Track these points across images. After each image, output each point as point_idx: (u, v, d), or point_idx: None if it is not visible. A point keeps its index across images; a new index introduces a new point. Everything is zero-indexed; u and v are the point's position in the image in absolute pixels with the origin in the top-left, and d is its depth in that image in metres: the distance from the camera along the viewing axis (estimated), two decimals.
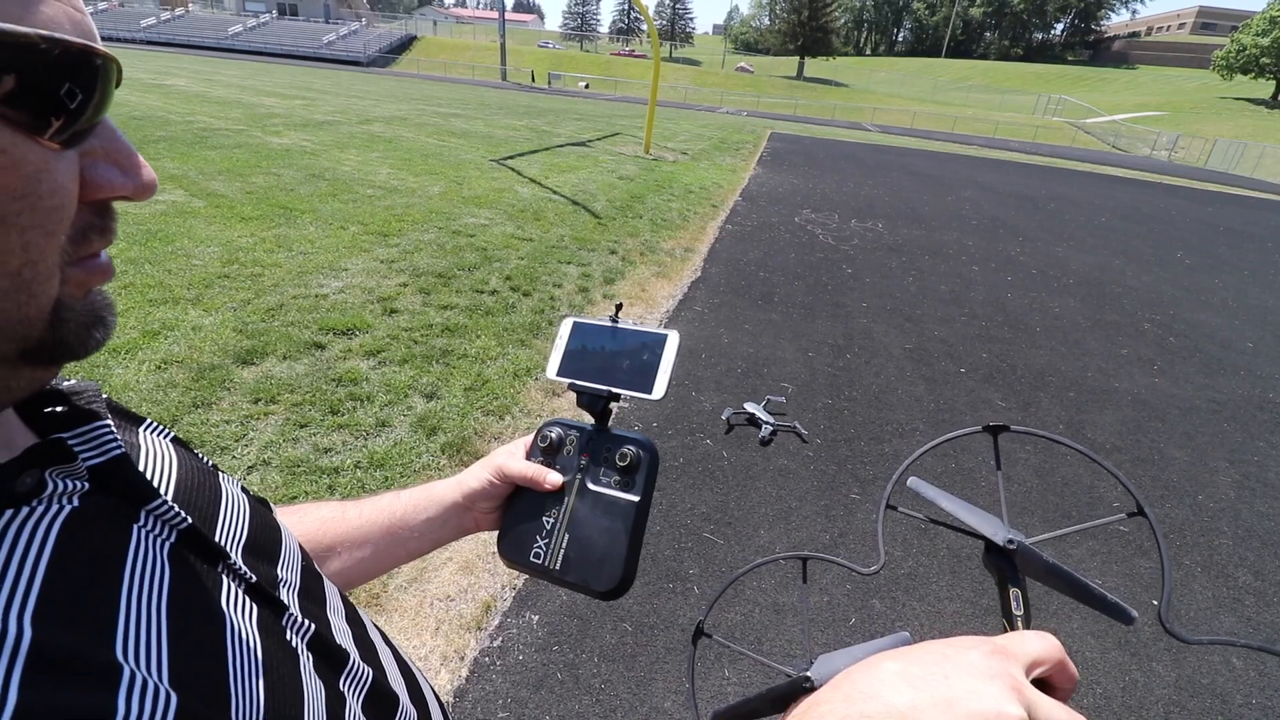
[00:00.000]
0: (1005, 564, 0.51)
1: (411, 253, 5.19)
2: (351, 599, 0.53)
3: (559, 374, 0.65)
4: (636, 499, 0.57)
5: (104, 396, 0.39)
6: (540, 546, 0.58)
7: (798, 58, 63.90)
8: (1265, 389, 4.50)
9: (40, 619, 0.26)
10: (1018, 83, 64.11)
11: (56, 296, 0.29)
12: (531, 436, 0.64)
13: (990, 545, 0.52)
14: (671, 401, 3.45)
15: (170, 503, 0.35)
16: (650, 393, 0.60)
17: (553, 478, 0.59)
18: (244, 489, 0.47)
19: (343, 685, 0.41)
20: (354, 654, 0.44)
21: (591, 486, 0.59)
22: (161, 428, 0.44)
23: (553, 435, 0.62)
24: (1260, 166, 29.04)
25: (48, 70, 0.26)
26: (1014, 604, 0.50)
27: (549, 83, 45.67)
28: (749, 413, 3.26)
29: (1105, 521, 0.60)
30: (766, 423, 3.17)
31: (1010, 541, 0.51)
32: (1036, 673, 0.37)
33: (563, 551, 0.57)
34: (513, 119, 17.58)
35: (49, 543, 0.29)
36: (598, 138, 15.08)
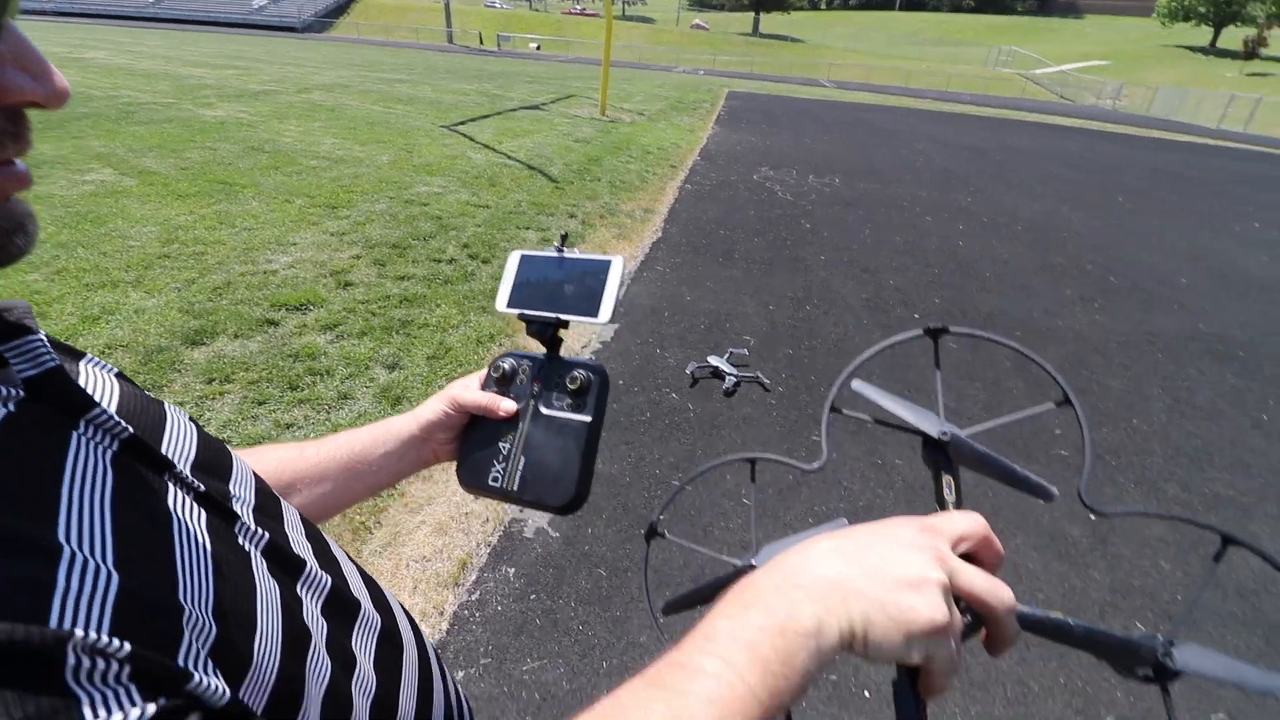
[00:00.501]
0: (939, 455, 0.54)
1: (363, 224, 5.05)
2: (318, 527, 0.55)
3: (508, 305, 0.67)
4: (588, 419, 0.60)
5: (42, 335, 0.37)
6: (498, 471, 0.61)
7: (753, 14, 62.89)
8: (1197, 321, 4.75)
9: None
10: (970, 34, 64.48)
11: None
12: (486, 369, 0.66)
13: (926, 439, 0.54)
14: (637, 359, 3.49)
15: (110, 413, 0.34)
16: (596, 316, 0.62)
17: (506, 405, 0.62)
18: (195, 421, 0.48)
19: (300, 589, 0.42)
20: (312, 562, 0.45)
21: (544, 411, 0.61)
22: (104, 363, 0.43)
23: (505, 366, 0.64)
24: (1199, 112, 30.01)
25: None
26: (946, 491, 0.52)
27: (498, 45, 44.05)
28: (713, 366, 3.32)
29: (1034, 411, 0.60)
30: (730, 374, 3.23)
31: (944, 433, 0.53)
32: (962, 547, 0.40)
33: (519, 473, 0.60)
34: (462, 83, 16.99)
35: None
36: (551, 100, 14.71)
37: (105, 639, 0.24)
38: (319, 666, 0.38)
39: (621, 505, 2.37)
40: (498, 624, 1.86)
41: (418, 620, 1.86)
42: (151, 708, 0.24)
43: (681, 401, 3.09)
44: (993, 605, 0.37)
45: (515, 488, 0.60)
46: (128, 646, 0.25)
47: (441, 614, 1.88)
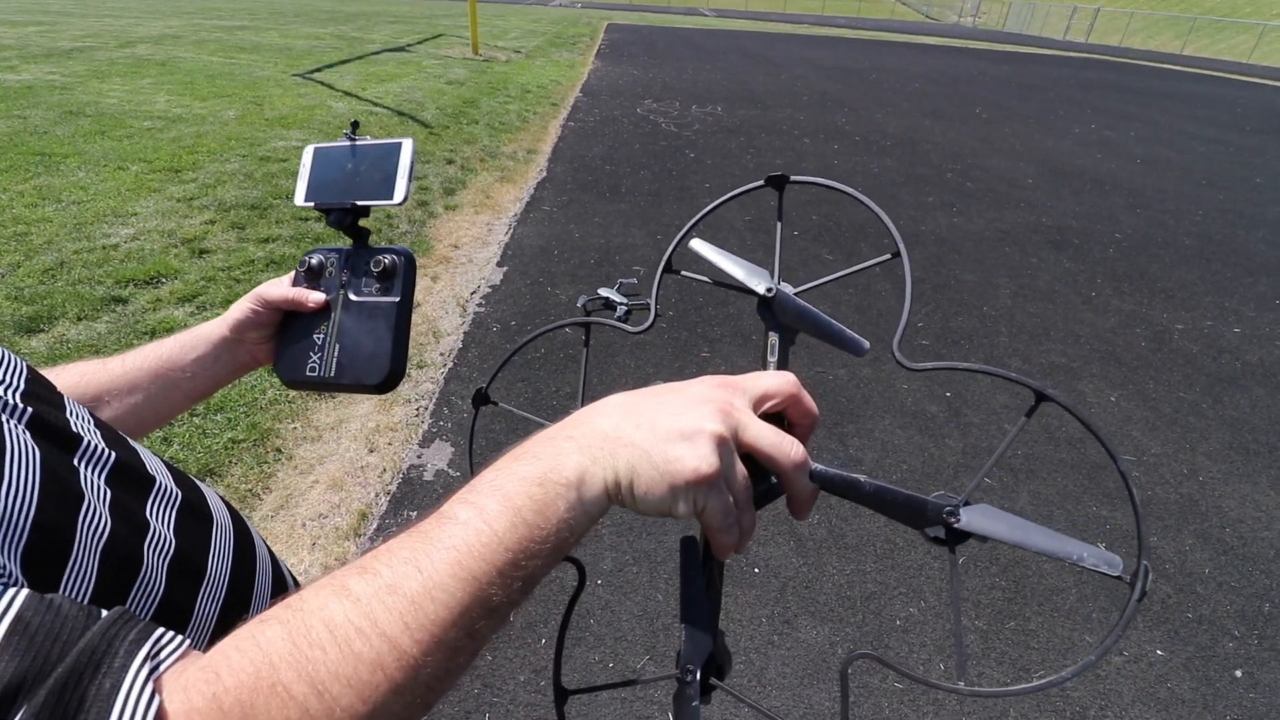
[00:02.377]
0: (767, 312, 0.53)
1: (213, 186, 4.60)
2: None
3: (305, 199, 0.66)
4: (396, 299, 0.62)
5: None
6: (315, 361, 0.62)
7: None
8: (1040, 216, 5.27)
9: None
10: None
11: None
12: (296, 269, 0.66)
13: (758, 298, 0.53)
14: (528, 299, 3.47)
15: None
16: (391, 198, 0.62)
17: (315, 296, 0.63)
18: (16, 354, 0.47)
19: (77, 461, 0.43)
20: (92, 440, 0.46)
21: (354, 298, 0.63)
22: None
23: (313, 261, 0.64)
24: (1047, 25, 32.18)
25: None
26: (769, 350, 0.52)
27: None
28: (604, 297, 3.37)
29: (866, 265, 0.59)
30: (621, 304, 3.29)
31: (769, 290, 0.53)
32: (767, 406, 0.39)
33: (335, 359, 0.62)
34: (315, 27, 15.41)
35: None
36: (418, 41, 13.68)
37: None
38: (93, 522, 0.40)
39: (520, 437, 2.41)
40: None
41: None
42: None
43: (575, 334, 3.12)
44: (779, 460, 0.36)
45: (333, 374, 0.62)
46: None
47: (344, 562, 1.87)
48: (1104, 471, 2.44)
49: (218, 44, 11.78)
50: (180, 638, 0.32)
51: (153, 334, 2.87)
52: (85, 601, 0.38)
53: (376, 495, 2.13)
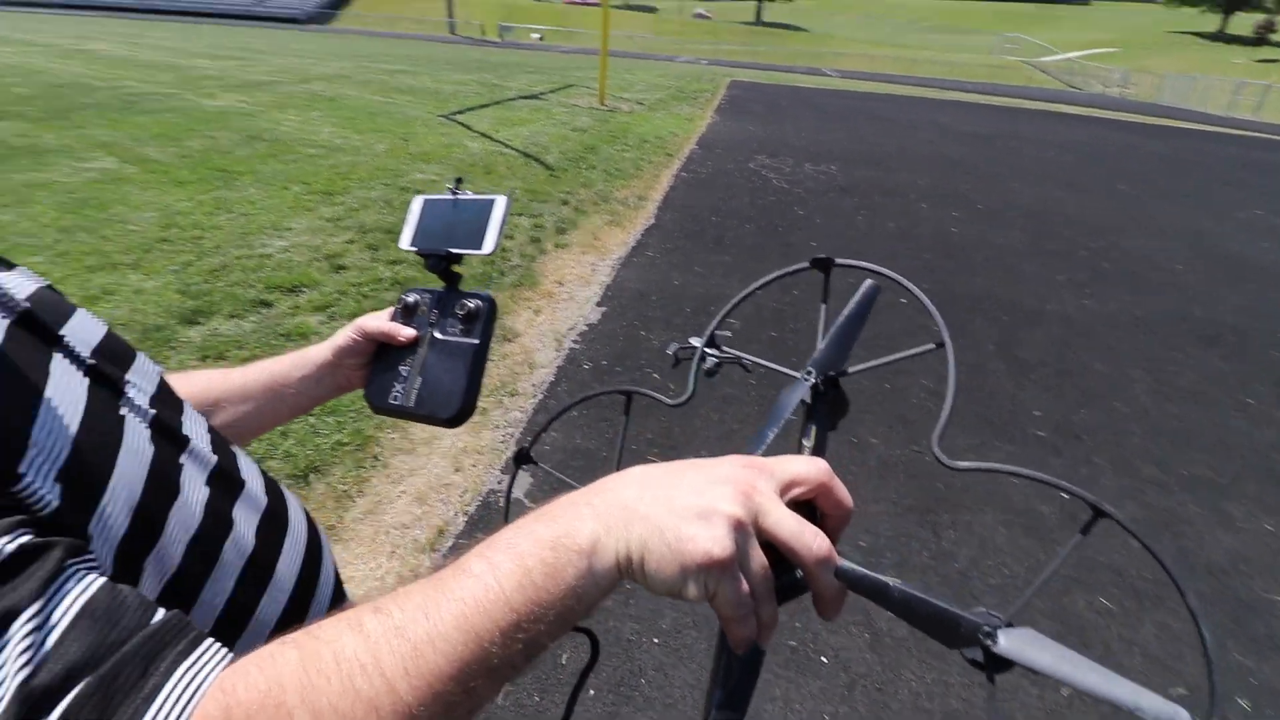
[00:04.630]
0: (807, 395, 0.52)
1: (357, 210, 5.10)
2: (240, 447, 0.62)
3: (409, 245, 0.73)
4: (475, 342, 0.67)
5: None
6: (398, 391, 0.68)
7: (755, 2, 62.42)
8: (1189, 305, 4.76)
9: None
10: (976, 21, 63.83)
11: None
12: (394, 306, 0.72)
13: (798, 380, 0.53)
14: (621, 340, 3.54)
15: (10, 294, 0.42)
16: (481, 249, 0.68)
17: (405, 331, 0.68)
18: (109, 325, 0.54)
19: (183, 458, 0.49)
20: (200, 444, 0.52)
21: (439, 336, 0.68)
22: (41, 278, 0.49)
23: (409, 300, 0.70)
24: (1207, 99, 29.67)
25: None
26: (805, 435, 0.51)
27: (500, 36, 43.90)
28: (694, 347, 3.37)
29: (911, 353, 0.58)
30: (711, 355, 3.28)
31: (808, 372, 0.54)
32: (794, 493, 0.37)
33: (415, 391, 0.67)
34: (462, 74, 16.99)
35: None
36: (551, 90, 14.70)
37: None
38: (185, 516, 0.46)
39: (591, 476, 2.43)
40: None
41: (394, 585, 1.92)
42: None
43: (663, 381, 3.14)
44: (800, 552, 0.35)
45: (411, 404, 0.66)
46: None
47: (416, 577, 1.94)
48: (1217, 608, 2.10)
49: (379, 85, 13.23)
50: (225, 651, 0.34)
51: (288, 336, 3.19)
52: (164, 583, 0.43)
53: (455, 514, 2.21)
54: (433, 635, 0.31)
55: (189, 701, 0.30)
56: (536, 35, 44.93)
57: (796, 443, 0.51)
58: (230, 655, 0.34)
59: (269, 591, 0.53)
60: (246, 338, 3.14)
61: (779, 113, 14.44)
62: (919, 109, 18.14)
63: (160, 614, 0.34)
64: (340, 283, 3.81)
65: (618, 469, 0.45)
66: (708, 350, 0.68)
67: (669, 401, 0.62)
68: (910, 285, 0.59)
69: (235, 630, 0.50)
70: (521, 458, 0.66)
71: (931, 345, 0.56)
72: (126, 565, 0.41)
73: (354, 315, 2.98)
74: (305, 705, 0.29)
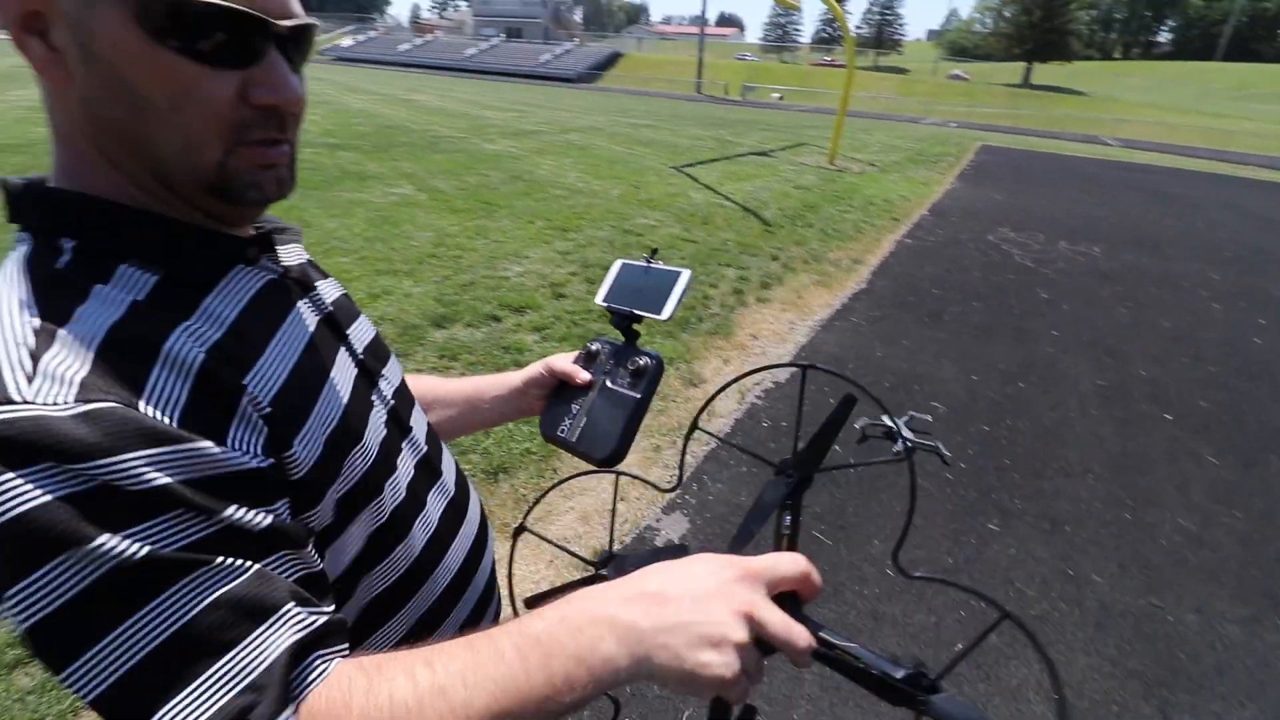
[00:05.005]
0: (782, 488, 0.60)
1: (585, 247, 5.66)
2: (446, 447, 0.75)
3: (602, 300, 0.83)
4: (637, 396, 0.74)
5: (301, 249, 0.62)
6: (566, 425, 0.77)
7: (1024, 64, 57.33)
8: None
9: (212, 349, 0.44)
10: None
11: (219, 160, 0.45)
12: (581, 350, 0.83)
13: (777, 469, 0.63)
14: (807, 405, 3.41)
15: (322, 295, 0.60)
16: (659, 314, 0.77)
17: (583, 375, 0.79)
18: (376, 330, 0.70)
19: (403, 444, 0.62)
20: (419, 433, 0.65)
21: (609, 385, 0.77)
22: (341, 288, 0.68)
23: (592, 347, 0.81)
24: None
25: (187, 18, 0.41)
26: (783, 524, 0.60)
27: (742, 95, 45.97)
28: (887, 425, 3.13)
29: (877, 462, 0.87)
30: (905, 438, 3.02)
31: (790, 474, 0.62)
32: (781, 587, 0.44)
33: (580, 429, 0.76)
34: (700, 129, 18.08)
35: (249, 294, 0.51)
36: (781, 147, 14.97)
37: (255, 438, 0.45)
38: (395, 491, 0.58)
39: (755, 542, 2.35)
40: None
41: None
42: (261, 445, 0.45)
43: (844, 455, 2.96)
44: (786, 648, 0.42)
45: (574, 439, 0.75)
46: (266, 429, 0.46)
47: (547, 562, 2.06)
48: None
49: (624, 137, 14.64)
50: (343, 649, 0.43)
51: (507, 349, 3.62)
52: (367, 535, 0.54)
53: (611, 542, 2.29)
54: (467, 704, 0.39)
55: (310, 683, 0.39)
56: (777, 95, 46.21)
57: (775, 532, 0.59)
58: (344, 653, 0.43)
59: (440, 566, 0.64)
60: (476, 345, 3.64)
61: (1034, 182, 13.00)
62: (1219, 187, 15.02)
63: (323, 617, 0.43)
64: (558, 309, 4.25)
65: (610, 544, 0.62)
66: (707, 431, 0.82)
67: (661, 486, 0.73)
68: (882, 405, 0.68)
69: (409, 591, 0.60)
70: (520, 530, 0.76)
71: (901, 459, 0.67)
72: (346, 513, 0.52)
73: (564, 339, 3.32)
74: None
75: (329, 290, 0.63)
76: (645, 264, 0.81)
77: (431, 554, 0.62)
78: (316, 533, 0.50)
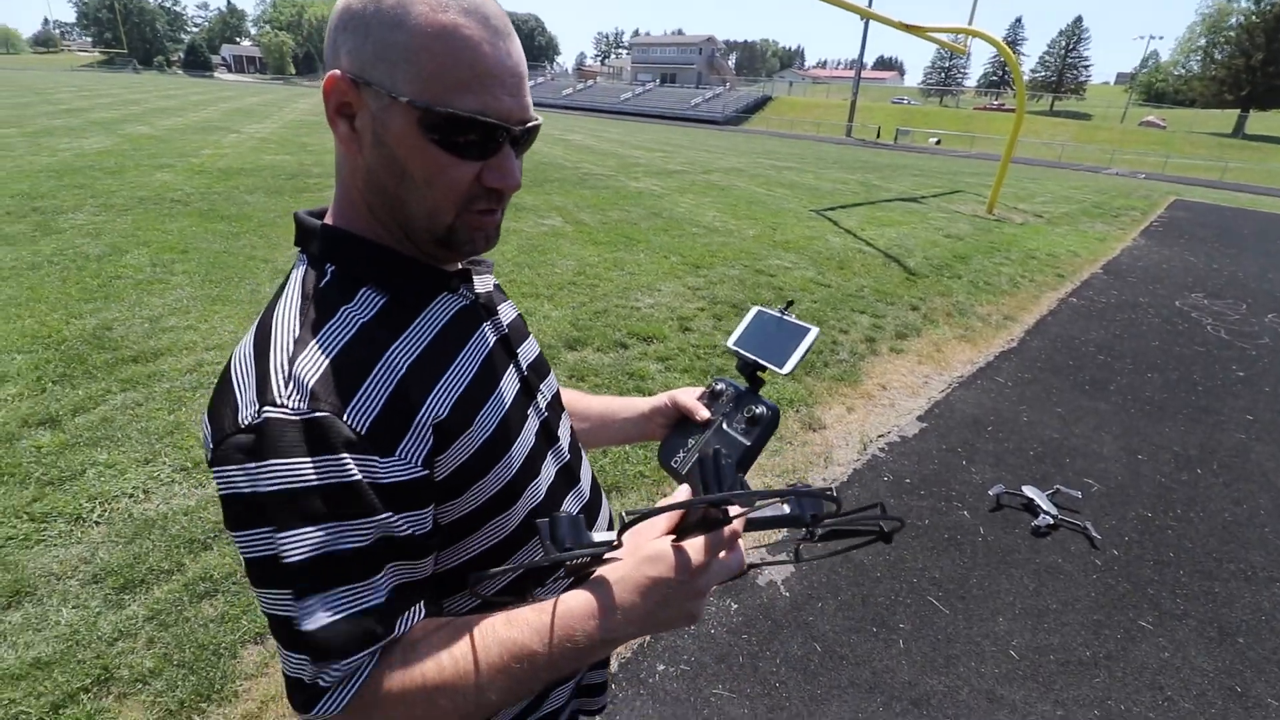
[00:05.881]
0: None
1: (715, 284, 5.78)
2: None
3: (732, 344, 0.88)
4: (748, 444, 0.77)
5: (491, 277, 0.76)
6: (679, 457, 0.82)
7: (1237, 111, 50.10)
8: None
9: (411, 366, 0.57)
10: None
11: (450, 224, 0.59)
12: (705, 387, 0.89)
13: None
14: (936, 463, 3.23)
15: (501, 319, 0.71)
16: (781, 367, 0.80)
17: (703, 413, 0.83)
18: (540, 347, 0.81)
19: (549, 452, 0.71)
20: (564, 443, 0.75)
21: (725, 427, 0.80)
22: (515, 308, 0.80)
23: (717, 387, 0.86)
24: None
25: (454, 125, 0.54)
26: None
27: (895, 139, 44.42)
28: (1027, 497, 2.87)
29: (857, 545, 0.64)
30: (1047, 512, 2.75)
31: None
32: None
33: (690, 464, 0.79)
34: (845, 173, 17.73)
35: (445, 318, 0.63)
36: (934, 194, 14.26)
37: (420, 449, 0.56)
38: (533, 494, 0.67)
39: (861, 597, 2.27)
40: (706, 642, 2.00)
41: None
42: (423, 457, 0.56)
43: (973, 522, 2.76)
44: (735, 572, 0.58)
45: (683, 472, 0.79)
46: (433, 439, 0.57)
47: None
48: None
49: (765, 179, 14.73)
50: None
51: (632, 375, 3.80)
52: (514, 529, 0.65)
53: None
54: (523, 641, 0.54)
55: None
56: (934, 139, 44.11)
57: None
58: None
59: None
60: (602, 369, 3.85)
61: (1239, 243, 11.29)
62: None
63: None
64: (682, 341, 4.37)
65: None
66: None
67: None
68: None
69: (539, 580, 0.69)
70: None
71: (873, 534, 0.62)
72: (491, 506, 0.62)
73: (686, 370, 3.44)
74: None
75: (508, 312, 0.74)
76: (780, 315, 0.84)
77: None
78: (450, 525, 0.60)
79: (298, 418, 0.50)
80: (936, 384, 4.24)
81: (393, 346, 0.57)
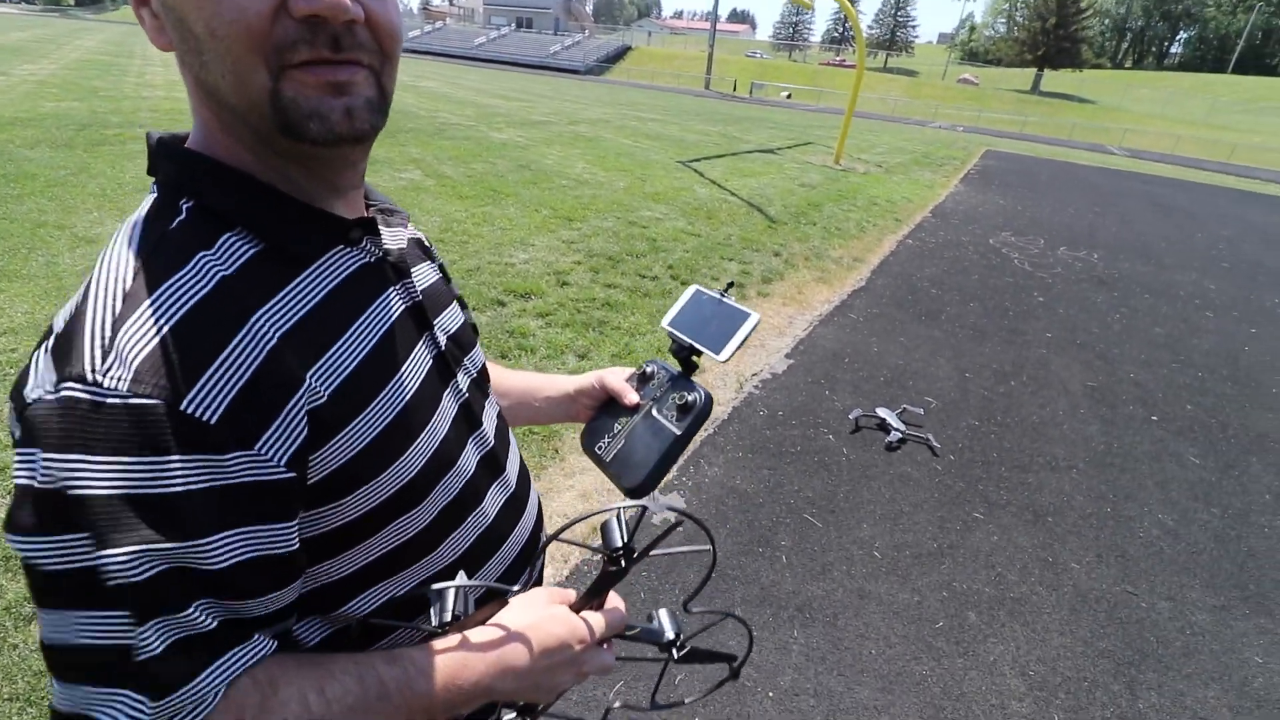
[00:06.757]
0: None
1: (590, 236, 5.74)
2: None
3: (668, 324, 0.82)
4: (678, 432, 0.71)
5: (411, 228, 0.64)
6: (603, 442, 0.76)
7: (1034, 70, 57.22)
8: None
9: (284, 337, 0.45)
10: None
11: (270, 87, 0.43)
12: (636, 368, 0.82)
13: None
14: (804, 394, 3.50)
15: (414, 283, 0.58)
16: (718, 353, 0.74)
17: (631, 397, 0.77)
18: (469, 316, 0.71)
19: (469, 439, 0.62)
20: (488, 429, 0.66)
21: (654, 413, 0.74)
22: (441, 263, 0.71)
23: (648, 370, 0.79)
24: None
25: None
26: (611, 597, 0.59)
27: (750, 92, 45.86)
28: (880, 417, 3.22)
29: (685, 550, 0.64)
30: (897, 429, 3.11)
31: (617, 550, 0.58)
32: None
33: (615, 451, 0.74)
34: (707, 125, 18.10)
35: (338, 279, 0.50)
36: (788, 146, 15.01)
37: (288, 444, 0.44)
38: (447, 490, 0.58)
39: (747, 522, 2.45)
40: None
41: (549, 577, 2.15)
42: (289, 456, 0.44)
43: (837, 444, 3.05)
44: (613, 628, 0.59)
45: (607, 460, 0.74)
46: (307, 429, 0.45)
47: (566, 562, 2.15)
48: None
49: (632, 130, 14.67)
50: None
51: (511, 333, 3.70)
52: (424, 528, 0.56)
53: (613, 517, 2.38)
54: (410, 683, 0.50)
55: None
56: (785, 93, 46.11)
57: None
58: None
59: (496, 556, 0.65)
60: (480, 328, 3.71)
61: (1037, 188, 13.06)
62: (1225, 201, 15.09)
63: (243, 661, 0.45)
64: (561, 296, 4.33)
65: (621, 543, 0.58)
66: (570, 541, 0.62)
67: (594, 547, 0.60)
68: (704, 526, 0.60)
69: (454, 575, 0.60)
70: (548, 540, 0.69)
71: (709, 547, 0.61)
72: (395, 504, 0.52)
73: (567, 325, 3.40)
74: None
75: (426, 274, 0.63)
76: (719, 297, 0.79)
77: (487, 545, 0.63)
78: (334, 532, 0.50)
79: (109, 400, 0.38)
80: (800, 323, 4.56)
81: (261, 311, 0.45)
